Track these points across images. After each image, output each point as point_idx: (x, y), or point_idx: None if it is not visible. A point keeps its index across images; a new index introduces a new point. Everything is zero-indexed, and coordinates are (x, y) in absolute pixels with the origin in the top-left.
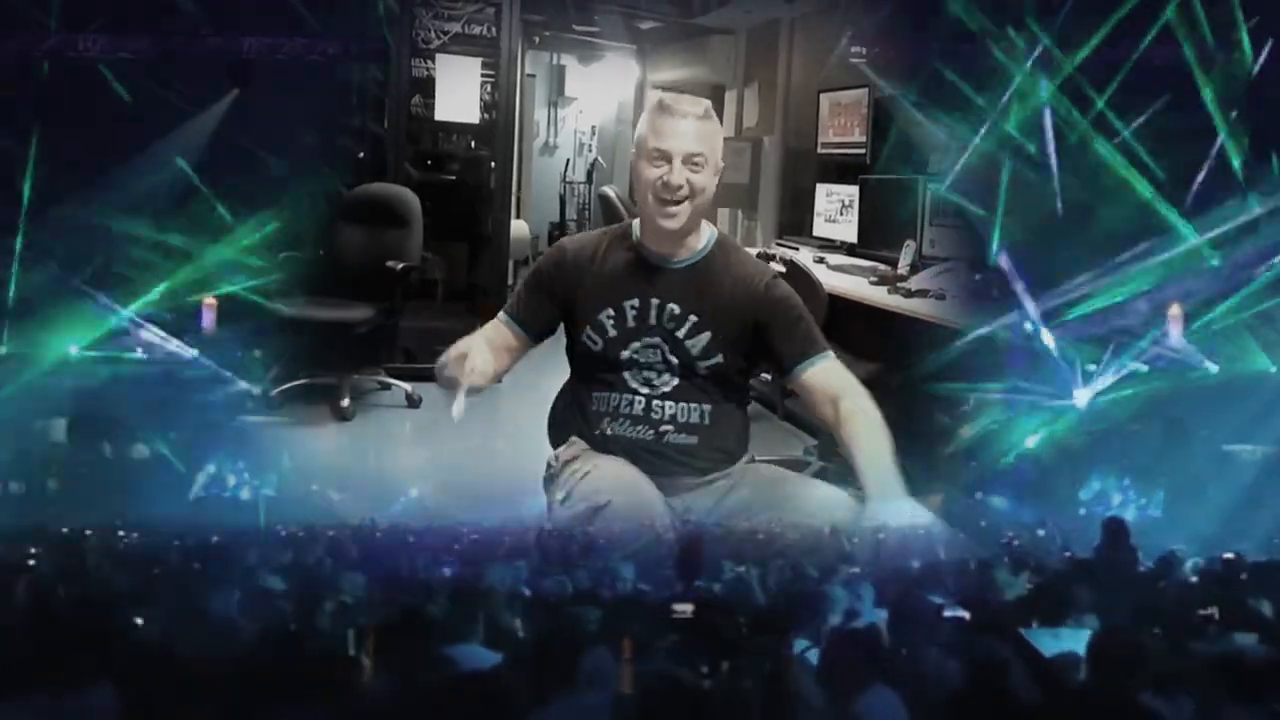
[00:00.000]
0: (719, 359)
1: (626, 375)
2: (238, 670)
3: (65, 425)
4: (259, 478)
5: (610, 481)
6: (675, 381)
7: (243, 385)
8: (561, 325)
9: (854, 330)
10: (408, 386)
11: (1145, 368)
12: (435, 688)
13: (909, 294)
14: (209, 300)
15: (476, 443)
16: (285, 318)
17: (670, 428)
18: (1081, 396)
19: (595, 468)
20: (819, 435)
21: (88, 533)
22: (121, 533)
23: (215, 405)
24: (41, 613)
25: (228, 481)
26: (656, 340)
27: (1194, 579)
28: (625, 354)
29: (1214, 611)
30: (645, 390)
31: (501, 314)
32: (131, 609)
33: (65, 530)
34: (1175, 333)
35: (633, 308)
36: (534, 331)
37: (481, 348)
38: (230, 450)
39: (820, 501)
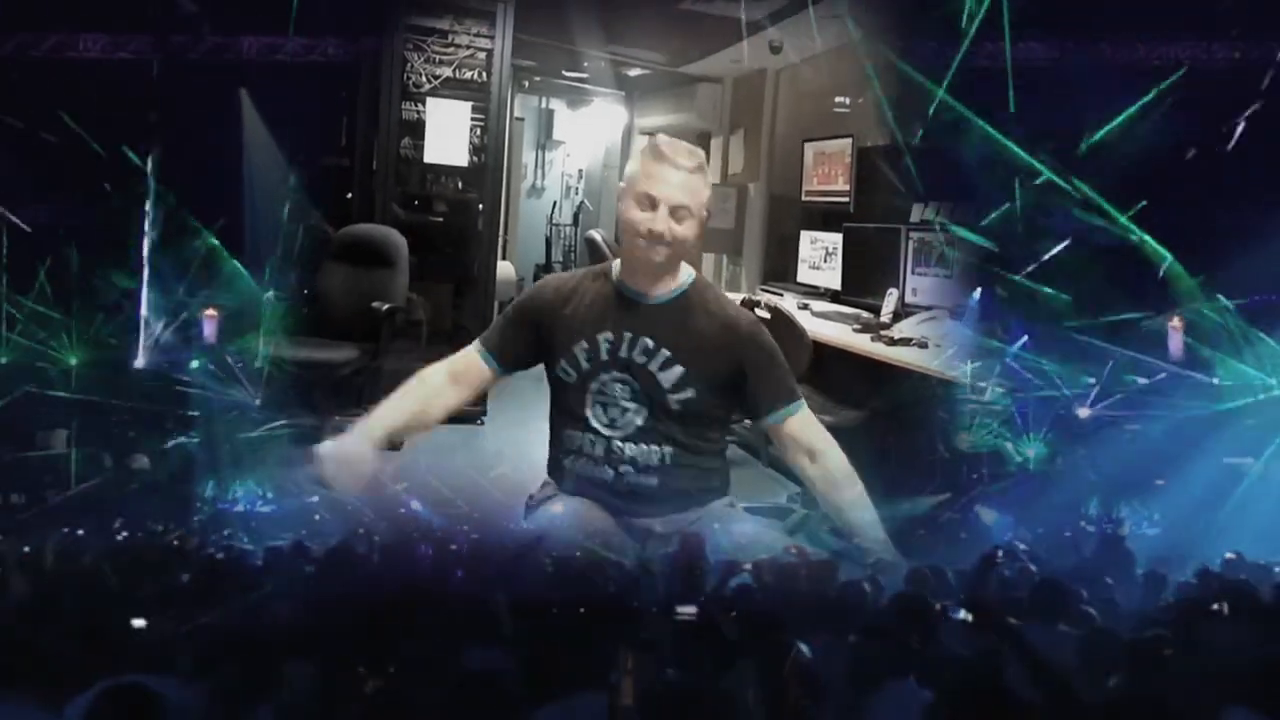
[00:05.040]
0: (690, 394)
1: (592, 414)
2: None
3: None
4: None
5: (569, 521)
6: (639, 421)
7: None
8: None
9: (838, 378)
10: None
11: (1144, 380)
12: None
13: (892, 342)
14: (209, 311)
15: (461, 483)
16: (269, 358)
17: (629, 469)
18: (1082, 410)
19: (559, 510)
20: (804, 483)
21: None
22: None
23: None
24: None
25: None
26: (625, 376)
27: (1193, 580)
28: (594, 386)
29: (1223, 606)
30: (607, 430)
31: (475, 344)
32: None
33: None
34: (1175, 344)
35: (606, 341)
36: (503, 363)
37: (393, 404)
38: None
39: (753, 537)
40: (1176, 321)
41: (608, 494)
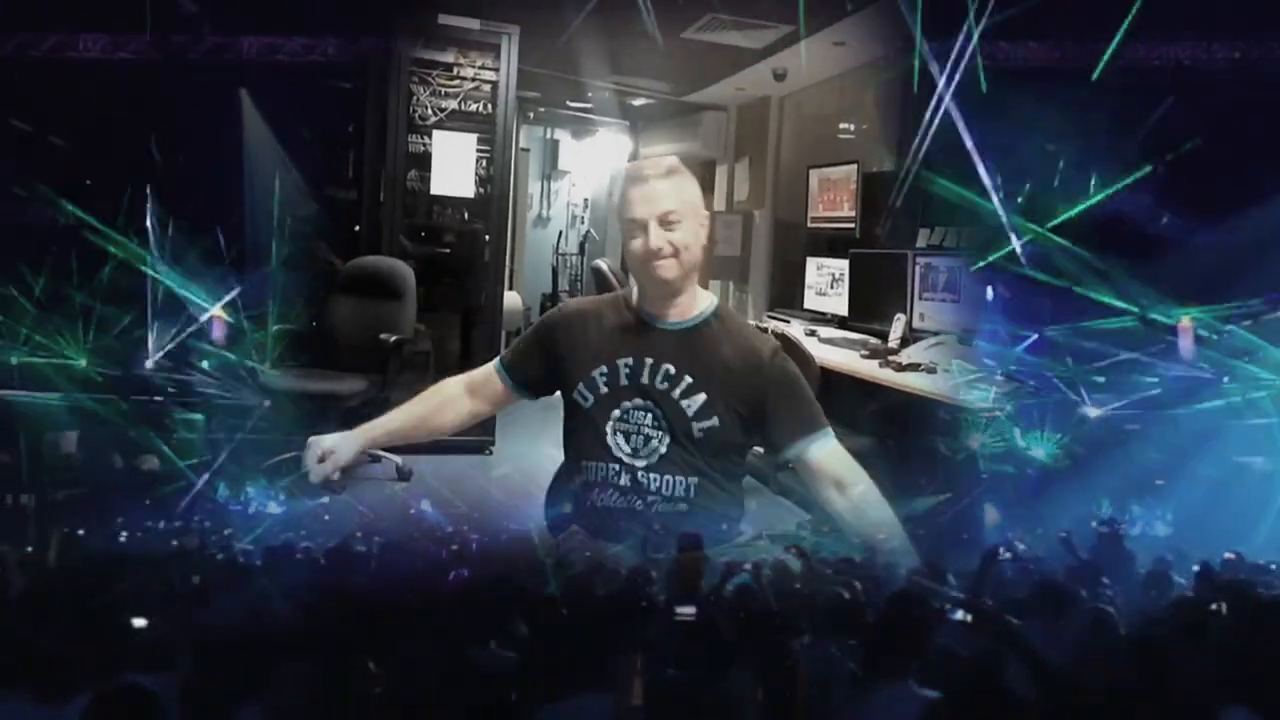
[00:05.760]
0: (714, 422)
1: (615, 443)
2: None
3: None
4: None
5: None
6: (663, 450)
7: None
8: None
9: (846, 404)
10: (398, 459)
11: (1155, 379)
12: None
13: (900, 368)
14: (218, 313)
15: (466, 514)
16: (276, 390)
17: (657, 499)
18: (1092, 410)
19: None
20: (812, 510)
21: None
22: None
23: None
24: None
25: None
26: (647, 403)
27: (1193, 581)
28: (616, 413)
29: (1221, 606)
30: (631, 460)
31: (494, 361)
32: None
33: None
34: (1185, 345)
35: (626, 366)
36: (519, 381)
37: (404, 409)
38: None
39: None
40: (1186, 322)
41: (636, 524)
